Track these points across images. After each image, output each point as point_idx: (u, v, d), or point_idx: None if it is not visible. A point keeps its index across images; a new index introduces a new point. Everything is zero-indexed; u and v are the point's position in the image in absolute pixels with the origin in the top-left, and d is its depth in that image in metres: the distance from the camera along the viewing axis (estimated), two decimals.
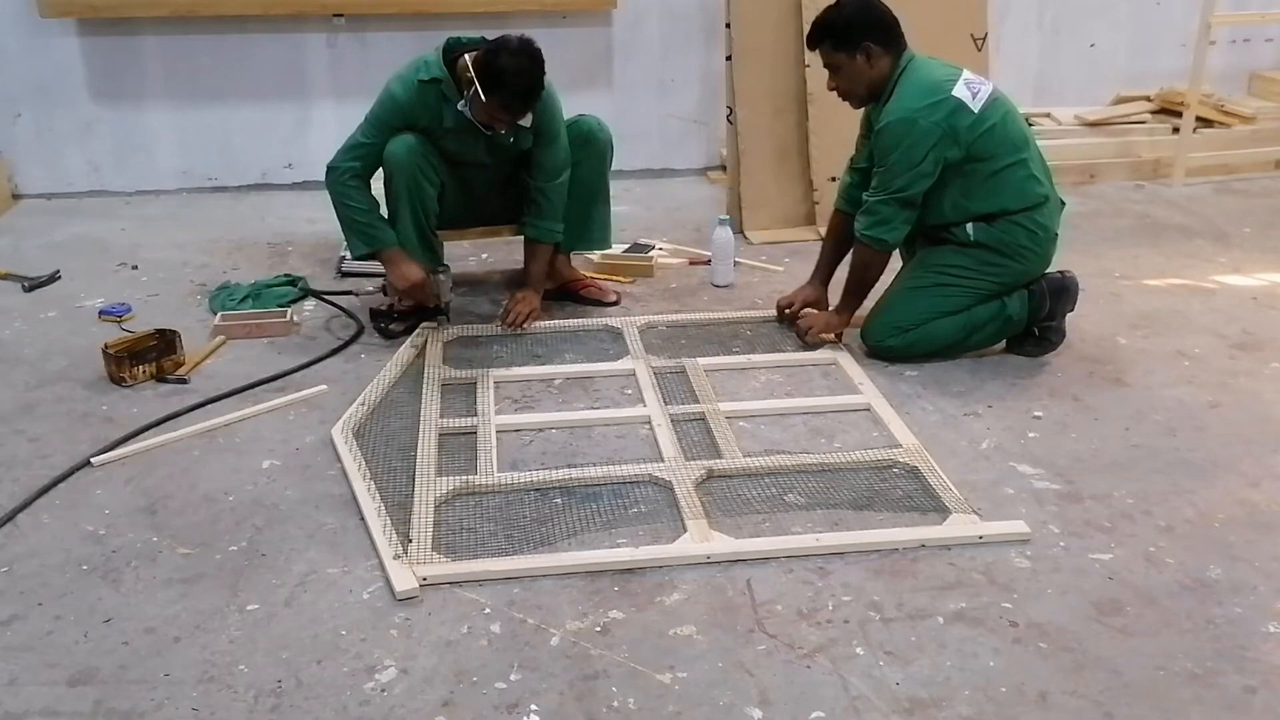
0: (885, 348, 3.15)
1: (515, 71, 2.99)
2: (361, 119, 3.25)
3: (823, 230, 3.96)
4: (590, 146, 3.45)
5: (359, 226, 3.23)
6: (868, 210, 3.09)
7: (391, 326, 3.32)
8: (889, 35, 3.03)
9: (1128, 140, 5.21)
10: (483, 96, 3.02)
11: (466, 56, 3.10)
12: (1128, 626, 2.06)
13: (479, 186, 3.44)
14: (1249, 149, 5.24)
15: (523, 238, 3.49)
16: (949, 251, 3.12)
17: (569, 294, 3.64)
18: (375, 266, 3.83)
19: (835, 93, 3.13)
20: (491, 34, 3.16)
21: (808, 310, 3.34)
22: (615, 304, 3.62)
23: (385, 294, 3.43)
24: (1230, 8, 5.46)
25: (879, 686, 1.90)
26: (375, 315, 3.37)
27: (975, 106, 2.97)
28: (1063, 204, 3.18)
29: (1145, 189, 4.98)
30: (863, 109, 3.21)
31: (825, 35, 3.05)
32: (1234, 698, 1.88)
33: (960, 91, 2.96)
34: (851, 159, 3.36)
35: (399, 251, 3.24)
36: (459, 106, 3.14)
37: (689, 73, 5.16)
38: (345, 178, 3.20)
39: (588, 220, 3.57)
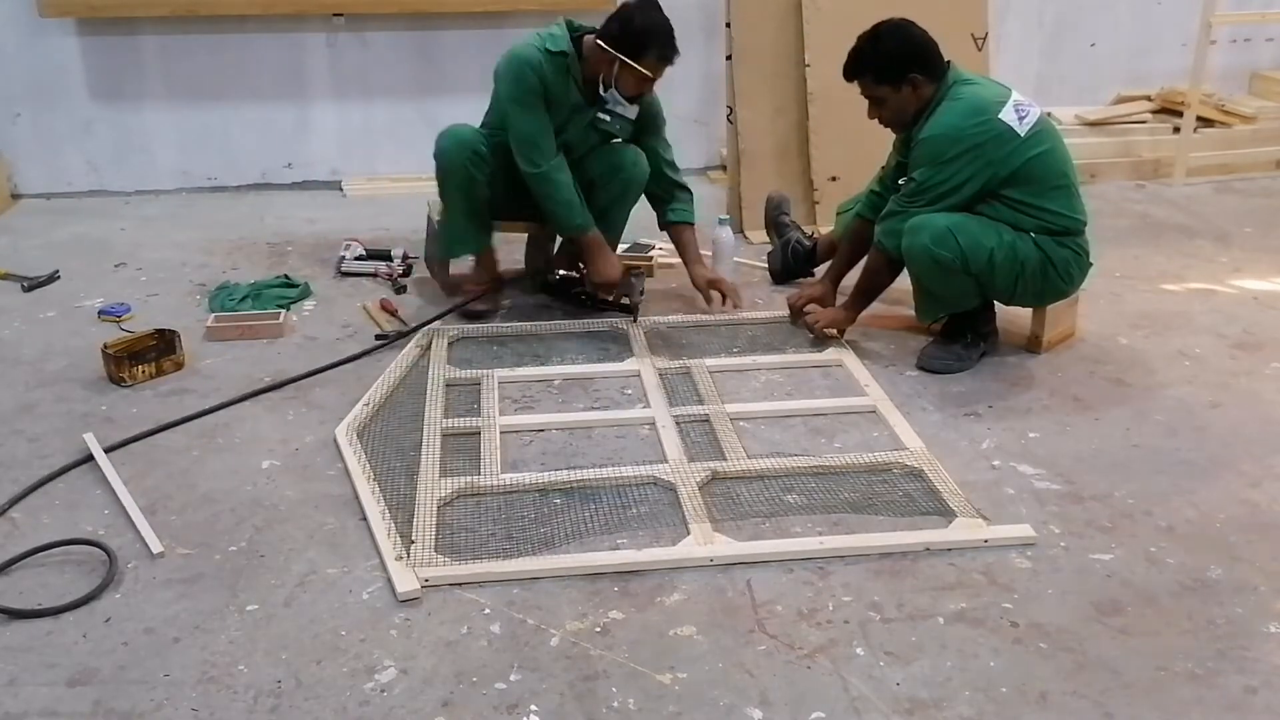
0: (932, 255, 2.91)
1: (655, 24, 3.08)
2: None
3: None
4: (623, 171, 3.43)
5: (562, 216, 3.30)
6: (889, 215, 3.05)
7: (583, 297, 3.50)
8: (931, 61, 2.97)
9: (1128, 140, 5.21)
10: (633, 62, 3.08)
11: (594, 41, 3.14)
12: (1128, 627, 2.06)
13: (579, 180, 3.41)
14: (1249, 149, 5.24)
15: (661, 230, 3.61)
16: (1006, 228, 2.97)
17: (583, 292, 3.65)
18: (374, 266, 3.84)
19: (878, 121, 3.08)
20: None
21: (814, 305, 3.30)
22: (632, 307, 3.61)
23: (582, 281, 3.51)
24: (1231, 7, 5.47)
25: (879, 687, 1.90)
26: (555, 285, 3.55)
27: (1022, 130, 2.89)
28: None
29: (1146, 189, 4.97)
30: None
31: (865, 70, 2.99)
32: (1234, 698, 1.88)
33: (1007, 115, 2.89)
34: (881, 170, 3.32)
35: (604, 245, 3.36)
36: (603, 93, 3.20)
37: (689, 73, 5.13)
38: (548, 164, 3.22)
39: (610, 219, 3.55)
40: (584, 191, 3.37)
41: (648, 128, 3.44)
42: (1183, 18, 5.35)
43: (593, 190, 3.40)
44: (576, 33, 3.23)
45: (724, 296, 3.48)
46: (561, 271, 3.60)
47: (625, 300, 3.44)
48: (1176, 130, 5.13)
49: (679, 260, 3.60)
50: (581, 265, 3.47)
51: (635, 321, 3.41)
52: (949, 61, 3.01)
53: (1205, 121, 5.28)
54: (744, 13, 4.33)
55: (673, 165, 3.50)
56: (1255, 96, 5.64)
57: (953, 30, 4.43)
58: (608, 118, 3.31)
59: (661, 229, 3.62)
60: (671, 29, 3.12)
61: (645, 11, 3.10)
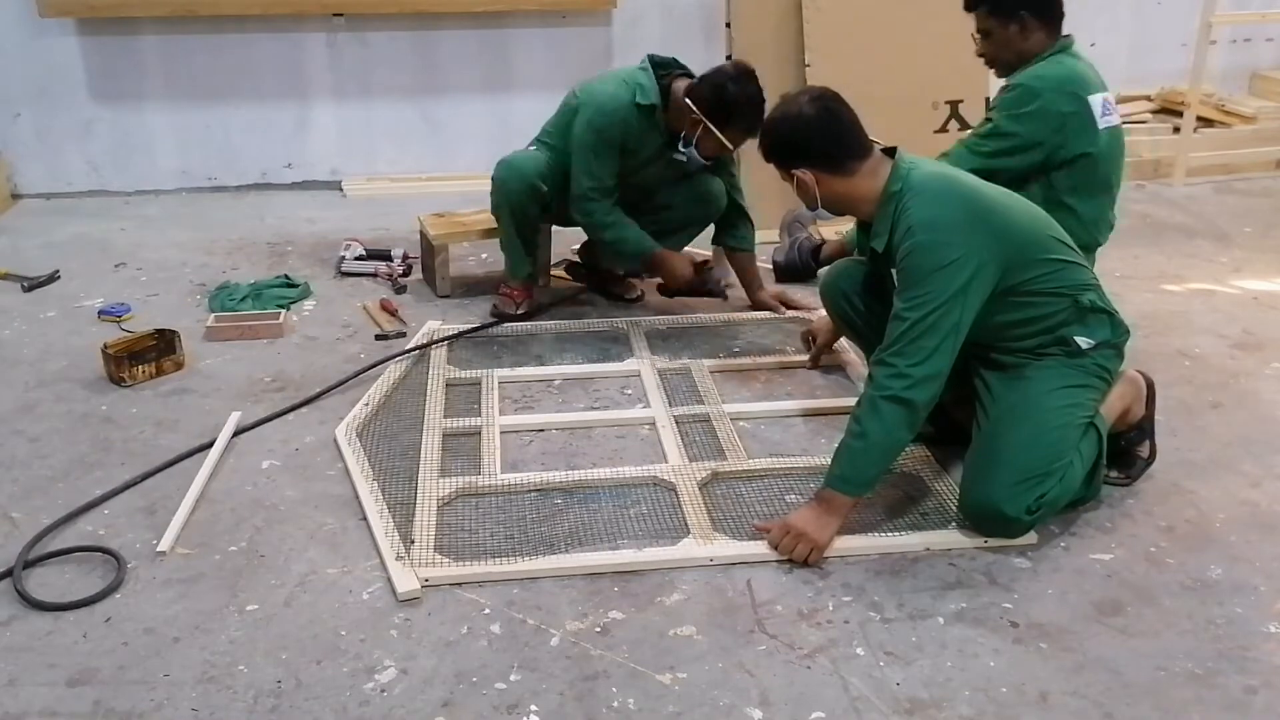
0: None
1: (747, 99, 3.05)
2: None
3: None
4: (701, 204, 3.47)
5: (632, 248, 3.35)
6: (949, 154, 2.97)
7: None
8: (1048, 11, 2.96)
9: (1128, 140, 5.18)
10: (718, 130, 3.08)
11: (681, 92, 3.15)
12: (1128, 627, 2.06)
13: (643, 208, 3.42)
14: (1249, 149, 5.23)
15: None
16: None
17: (595, 282, 3.72)
18: (374, 266, 3.85)
19: (982, 58, 3.06)
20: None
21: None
22: (637, 300, 3.66)
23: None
24: (1231, 7, 5.47)
25: (879, 687, 1.90)
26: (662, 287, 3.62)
27: (1101, 121, 2.91)
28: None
29: (1146, 189, 4.97)
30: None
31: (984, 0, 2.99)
32: (1234, 698, 1.88)
33: (1095, 101, 2.91)
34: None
35: (666, 252, 3.40)
36: (681, 147, 3.21)
37: None
38: (607, 217, 3.29)
39: (677, 239, 3.59)
40: (656, 211, 3.42)
41: (724, 159, 3.43)
42: (1183, 18, 5.35)
43: (668, 210, 3.45)
44: (661, 70, 3.24)
45: (789, 306, 3.53)
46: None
47: (710, 288, 3.58)
48: (1176, 130, 5.13)
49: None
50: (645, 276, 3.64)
51: (725, 299, 3.57)
52: (1070, 35, 3.01)
53: (1205, 121, 5.28)
54: (744, 13, 4.33)
55: (741, 193, 3.51)
56: (1255, 96, 5.64)
57: (953, 30, 4.45)
58: (684, 158, 3.28)
59: (715, 244, 3.67)
60: (763, 103, 3.03)
61: (740, 83, 3.06)
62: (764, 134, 2.47)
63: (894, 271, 2.28)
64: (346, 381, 3.00)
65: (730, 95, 3.05)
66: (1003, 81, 3.06)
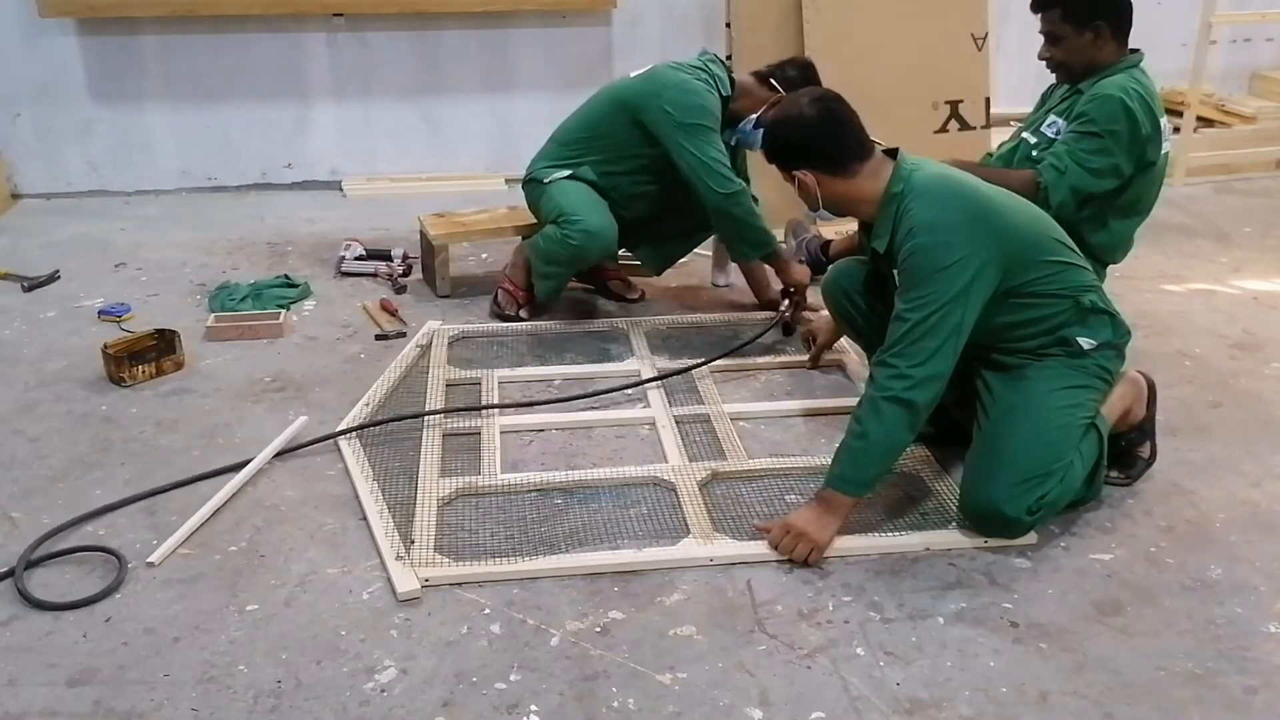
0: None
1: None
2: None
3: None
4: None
5: (756, 234, 3.31)
6: (1046, 160, 2.89)
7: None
8: (1122, 23, 2.91)
9: None
10: None
11: (757, 78, 3.24)
12: (1128, 627, 2.06)
13: (656, 188, 3.41)
14: (1250, 149, 5.24)
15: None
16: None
17: (597, 282, 3.70)
18: (374, 266, 3.84)
19: (1045, 62, 2.98)
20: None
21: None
22: (638, 300, 3.66)
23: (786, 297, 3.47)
24: (1231, 7, 5.47)
25: (879, 687, 1.90)
26: (785, 326, 3.44)
27: (1164, 145, 2.91)
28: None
29: None
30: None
31: (1059, 2, 2.91)
32: (1234, 698, 1.88)
33: (1164, 124, 2.90)
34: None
35: (783, 250, 3.43)
36: (742, 127, 3.25)
37: None
38: (737, 188, 3.22)
39: (672, 244, 3.59)
40: (683, 202, 3.40)
41: (744, 165, 3.50)
42: (1183, 18, 5.34)
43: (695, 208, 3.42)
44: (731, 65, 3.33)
45: (793, 303, 3.45)
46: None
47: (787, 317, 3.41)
48: (1176, 130, 5.12)
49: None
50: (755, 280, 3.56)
51: (792, 334, 3.39)
52: (1139, 49, 2.96)
53: (1205, 121, 5.29)
54: (744, 13, 4.33)
55: (755, 200, 3.49)
56: (1255, 96, 5.65)
57: (953, 30, 4.46)
58: (736, 140, 3.34)
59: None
60: None
61: (810, 72, 3.22)
62: (767, 135, 2.46)
63: (895, 272, 2.28)
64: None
65: (811, 79, 3.16)
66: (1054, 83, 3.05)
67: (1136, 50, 2.96)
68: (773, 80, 3.24)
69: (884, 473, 2.31)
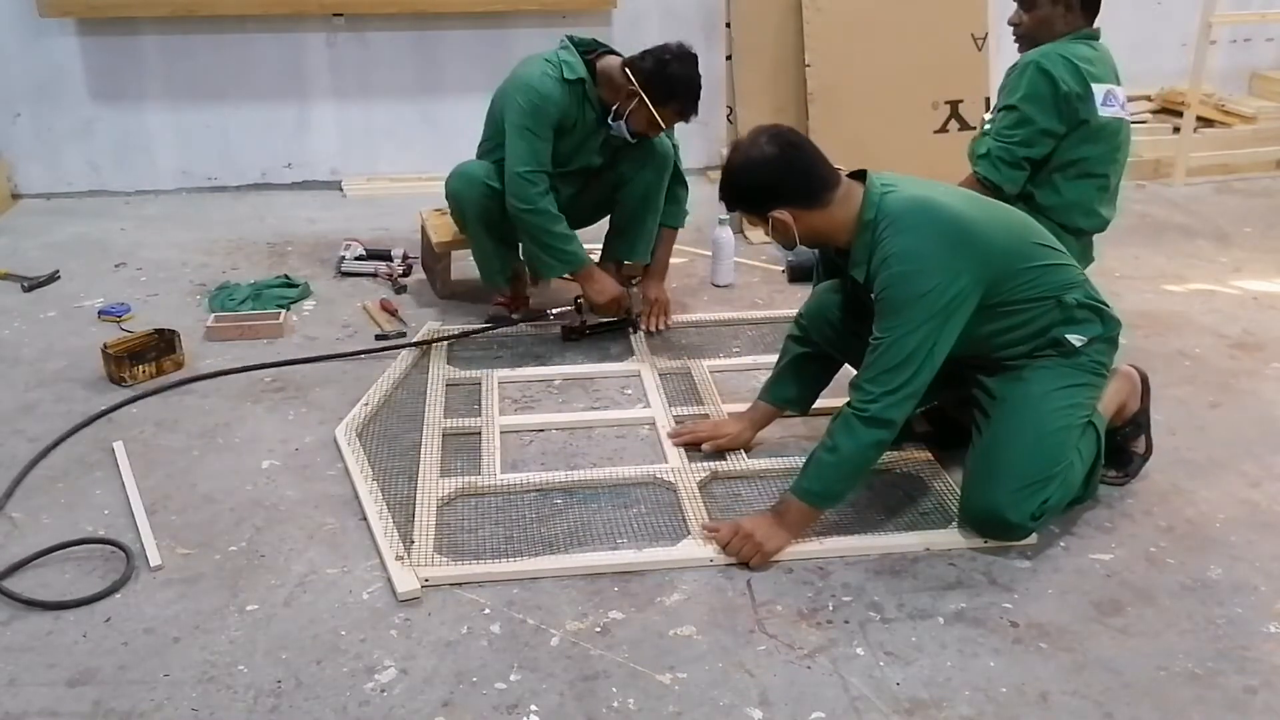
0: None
1: (688, 79, 3.04)
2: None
3: None
4: (654, 158, 3.36)
5: (556, 251, 3.21)
6: (975, 150, 2.94)
7: (583, 339, 3.34)
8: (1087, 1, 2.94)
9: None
10: (653, 106, 3.03)
11: (620, 65, 3.10)
12: (1128, 627, 2.06)
13: (571, 191, 3.35)
14: (1249, 149, 5.24)
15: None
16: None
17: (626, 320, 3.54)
18: (374, 266, 3.84)
19: (1014, 30, 3.02)
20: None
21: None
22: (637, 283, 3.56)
23: (579, 311, 3.37)
24: (1231, 7, 5.46)
25: (879, 687, 1.90)
26: (567, 332, 3.34)
27: (1101, 110, 2.87)
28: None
29: (1146, 189, 4.97)
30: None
31: None
32: (1235, 698, 1.88)
33: (1099, 90, 2.88)
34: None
35: (595, 268, 3.29)
36: (610, 120, 3.16)
37: None
38: (543, 202, 3.14)
39: (639, 230, 3.46)
40: (611, 190, 3.36)
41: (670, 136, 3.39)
42: (1183, 18, 5.34)
43: (628, 186, 3.36)
44: (584, 50, 3.19)
45: (655, 317, 3.39)
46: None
47: (627, 313, 3.36)
48: (1176, 130, 5.13)
49: (679, 259, 3.56)
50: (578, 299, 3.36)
51: (635, 330, 3.35)
52: (1097, 29, 2.99)
53: (1205, 121, 5.28)
54: (744, 13, 4.34)
55: (678, 158, 3.44)
56: (1255, 96, 5.64)
57: (953, 30, 4.46)
58: (616, 130, 3.22)
59: (606, 259, 3.54)
60: (700, 90, 3.07)
61: (683, 63, 3.04)
62: (730, 184, 2.36)
63: (874, 298, 2.27)
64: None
65: (672, 71, 3.02)
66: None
67: (1094, 29, 2.98)
68: (628, 71, 3.06)
69: (847, 490, 2.30)
